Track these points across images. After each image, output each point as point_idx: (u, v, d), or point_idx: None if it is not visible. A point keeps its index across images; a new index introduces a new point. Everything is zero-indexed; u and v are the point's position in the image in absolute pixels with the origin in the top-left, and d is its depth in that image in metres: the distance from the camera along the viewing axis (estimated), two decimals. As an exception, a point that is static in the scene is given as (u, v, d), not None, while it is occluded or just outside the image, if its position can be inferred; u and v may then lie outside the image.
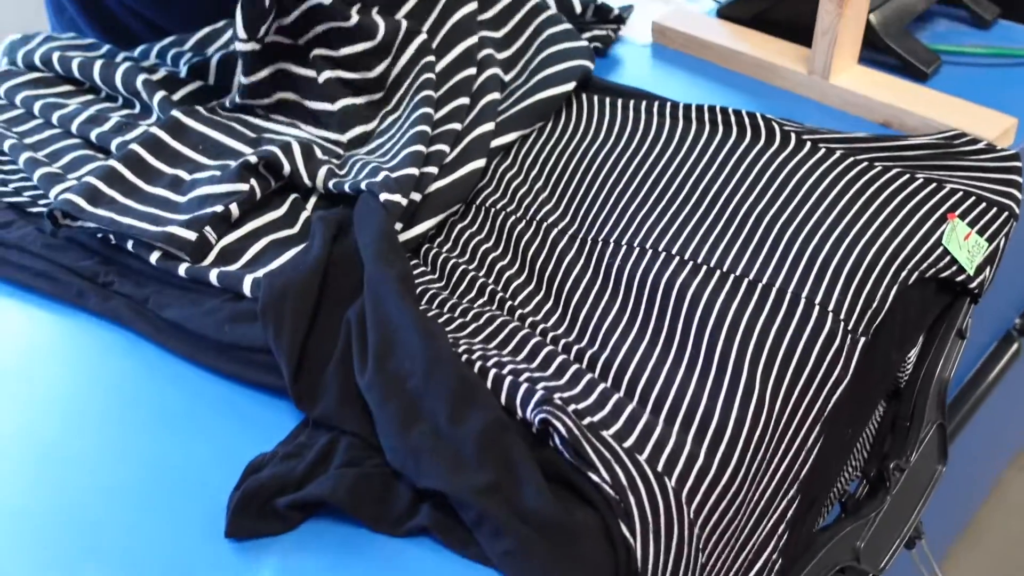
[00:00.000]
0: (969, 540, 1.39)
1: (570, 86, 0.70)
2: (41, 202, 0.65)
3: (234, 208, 0.59)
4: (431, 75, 0.69)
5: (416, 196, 0.59)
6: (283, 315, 0.49)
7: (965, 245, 0.57)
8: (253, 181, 0.60)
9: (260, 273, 0.55)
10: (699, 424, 0.46)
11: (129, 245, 0.58)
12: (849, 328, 0.51)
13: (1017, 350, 0.98)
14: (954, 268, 0.57)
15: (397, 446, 0.44)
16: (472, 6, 0.73)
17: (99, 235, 0.60)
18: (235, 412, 0.51)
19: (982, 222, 0.58)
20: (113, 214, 0.58)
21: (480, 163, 0.63)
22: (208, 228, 0.57)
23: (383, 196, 0.55)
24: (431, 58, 0.70)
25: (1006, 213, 0.59)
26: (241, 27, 0.64)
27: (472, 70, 0.70)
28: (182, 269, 0.56)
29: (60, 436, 0.50)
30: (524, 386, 0.45)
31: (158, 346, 0.55)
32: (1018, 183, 0.60)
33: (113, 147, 0.66)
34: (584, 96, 0.71)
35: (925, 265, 0.55)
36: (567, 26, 0.76)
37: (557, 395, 0.45)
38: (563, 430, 0.42)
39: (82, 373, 0.54)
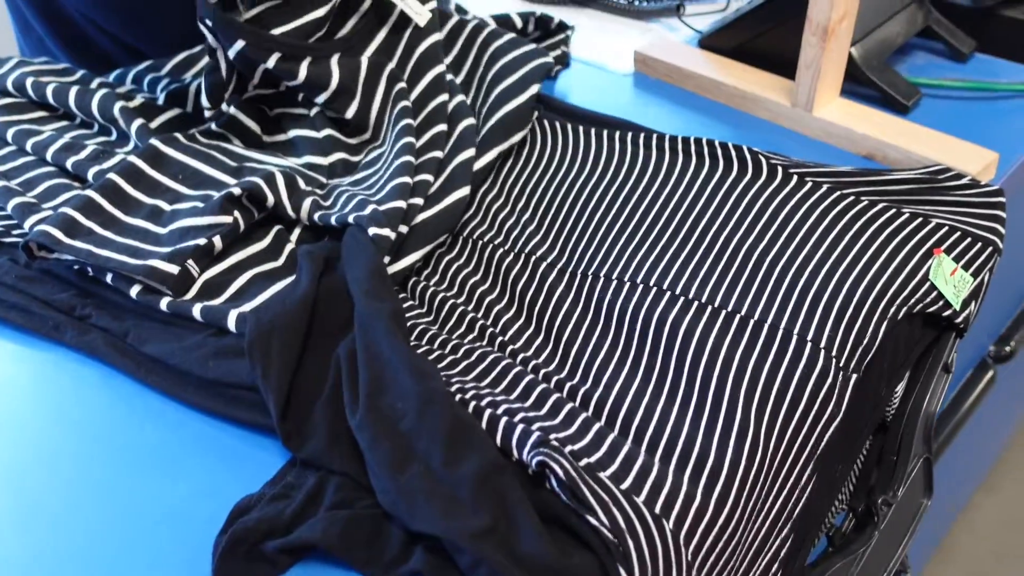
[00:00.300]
0: (939, 561, 1.41)
1: (534, 90, 0.69)
2: (15, 232, 0.63)
3: (217, 241, 0.57)
4: (406, 103, 0.68)
5: (403, 228, 0.58)
6: (270, 352, 0.48)
7: (951, 280, 0.58)
8: (237, 213, 0.59)
9: (246, 308, 0.54)
10: (695, 463, 0.46)
11: (108, 278, 0.57)
12: (840, 365, 0.51)
13: (992, 377, 0.99)
14: (941, 303, 0.57)
15: (390, 488, 0.43)
16: (437, 36, 0.73)
17: (76, 267, 0.59)
18: (218, 450, 0.50)
19: (967, 257, 0.59)
20: (91, 246, 0.57)
21: (465, 191, 0.62)
22: (191, 261, 0.56)
23: (372, 230, 0.55)
24: (402, 85, 0.69)
25: (990, 248, 0.60)
26: (205, 97, 0.63)
27: (444, 96, 0.69)
28: (164, 303, 0.55)
29: (36, 475, 0.49)
30: (520, 427, 0.44)
31: (137, 382, 0.54)
32: (1002, 218, 0.61)
33: (90, 176, 0.65)
34: (569, 125, 0.71)
35: (913, 300, 0.56)
36: (510, 35, 0.76)
37: (553, 436, 0.45)
38: (560, 472, 0.42)
39: (58, 409, 0.53)
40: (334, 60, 0.68)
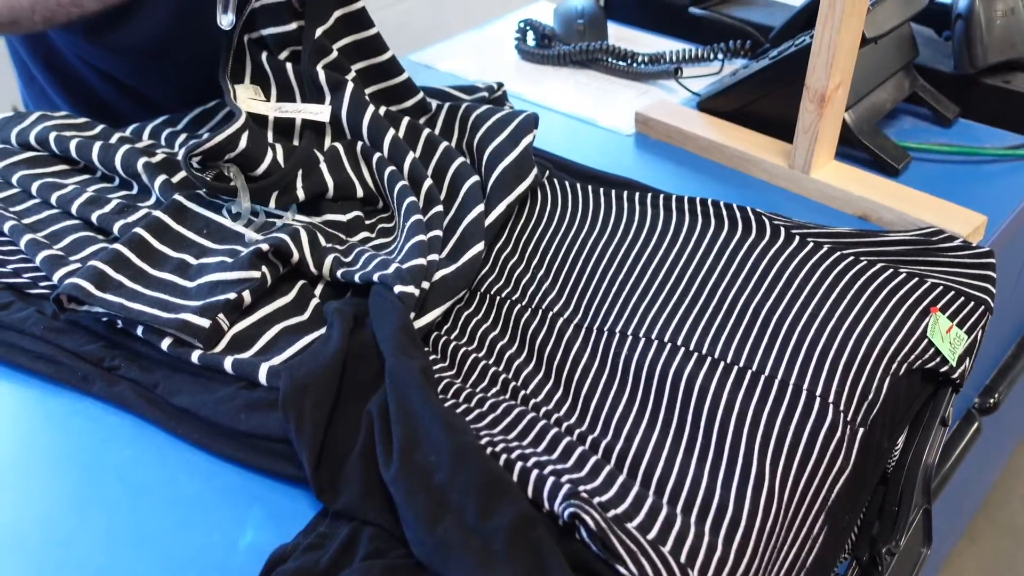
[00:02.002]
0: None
1: (528, 140, 0.72)
2: (42, 284, 0.64)
3: (247, 295, 0.59)
4: (393, 168, 0.71)
5: (425, 284, 0.60)
6: (304, 407, 0.50)
7: (947, 337, 0.60)
8: (264, 268, 0.60)
9: (276, 361, 0.55)
10: (715, 515, 0.47)
11: (139, 331, 0.58)
12: (848, 419, 0.53)
13: (978, 428, 1.02)
14: (938, 359, 0.59)
15: (424, 540, 0.44)
16: (411, 104, 0.79)
17: (104, 319, 0.60)
18: (250, 500, 0.51)
19: (961, 315, 0.61)
20: (123, 299, 0.58)
21: (480, 247, 0.64)
22: (221, 315, 0.57)
23: (398, 288, 0.57)
24: (380, 155, 0.73)
25: (983, 307, 0.62)
26: None
27: (412, 155, 0.72)
28: (195, 356, 0.56)
29: (68, 525, 0.50)
30: (550, 479, 0.46)
31: (168, 433, 0.55)
32: (993, 279, 0.64)
33: (115, 229, 0.67)
34: (578, 184, 0.74)
35: (912, 356, 0.58)
36: (486, 105, 0.79)
37: (581, 487, 0.46)
38: (591, 523, 0.43)
39: (90, 460, 0.54)
40: (323, 168, 0.72)
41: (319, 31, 0.75)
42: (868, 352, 0.56)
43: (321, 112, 0.74)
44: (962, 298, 0.62)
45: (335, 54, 0.76)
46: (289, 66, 0.75)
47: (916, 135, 0.86)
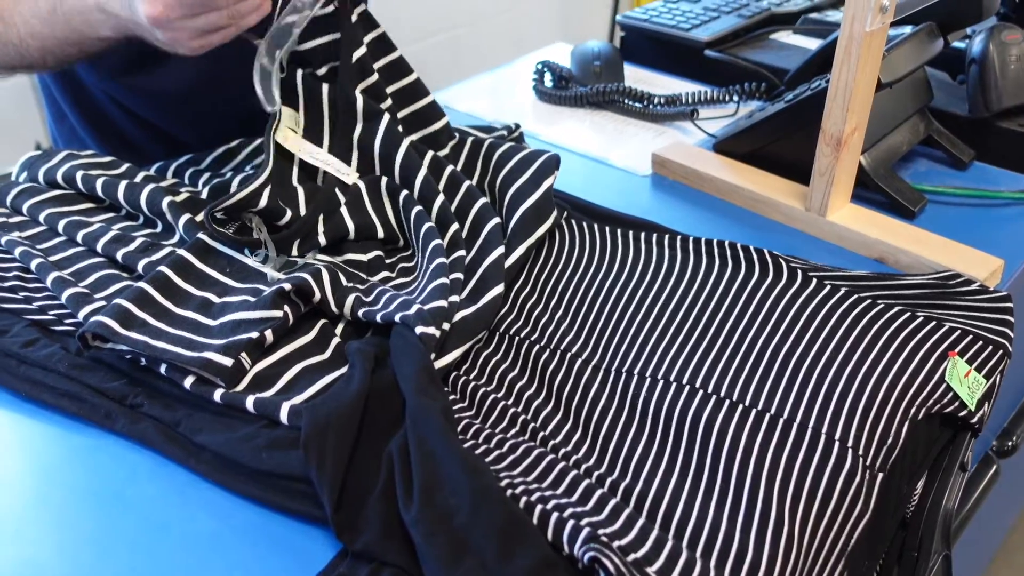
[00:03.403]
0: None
1: (549, 182, 0.72)
2: (67, 321, 0.65)
3: (268, 334, 0.60)
4: (420, 208, 0.72)
5: (445, 326, 0.60)
6: (326, 448, 0.50)
7: (966, 382, 0.60)
8: (286, 307, 0.61)
9: (296, 400, 0.55)
10: (734, 559, 0.47)
11: (162, 368, 0.59)
12: (867, 464, 0.53)
13: (996, 471, 1.01)
14: (956, 404, 0.59)
15: None
16: (445, 151, 0.79)
17: (127, 356, 0.60)
18: (270, 540, 0.51)
19: (979, 359, 0.61)
20: (147, 338, 0.59)
21: (499, 289, 0.65)
22: (243, 354, 0.58)
23: (419, 329, 0.57)
24: (406, 193, 0.74)
25: (1000, 351, 0.62)
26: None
27: (442, 197, 0.73)
28: (217, 395, 0.57)
29: (90, 563, 0.50)
30: (570, 522, 0.46)
31: (189, 471, 0.55)
32: (1011, 323, 0.64)
33: (139, 268, 0.68)
34: (596, 226, 0.75)
35: (931, 401, 0.58)
36: (509, 143, 0.79)
37: (601, 531, 0.46)
38: (611, 568, 0.43)
39: (111, 497, 0.54)
40: (344, 211, 0.73)
41: (356, 55, 0.75)
42: (887, 396, 0.56)
43: (348, 175, 0.75)
44: (980, 342, 0.62)
45: (375, 76, 0.77)
46: (325, 88, 0.75)
47: (932, 178, 0.86)
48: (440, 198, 0.73)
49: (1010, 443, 0.99)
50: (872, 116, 0.76)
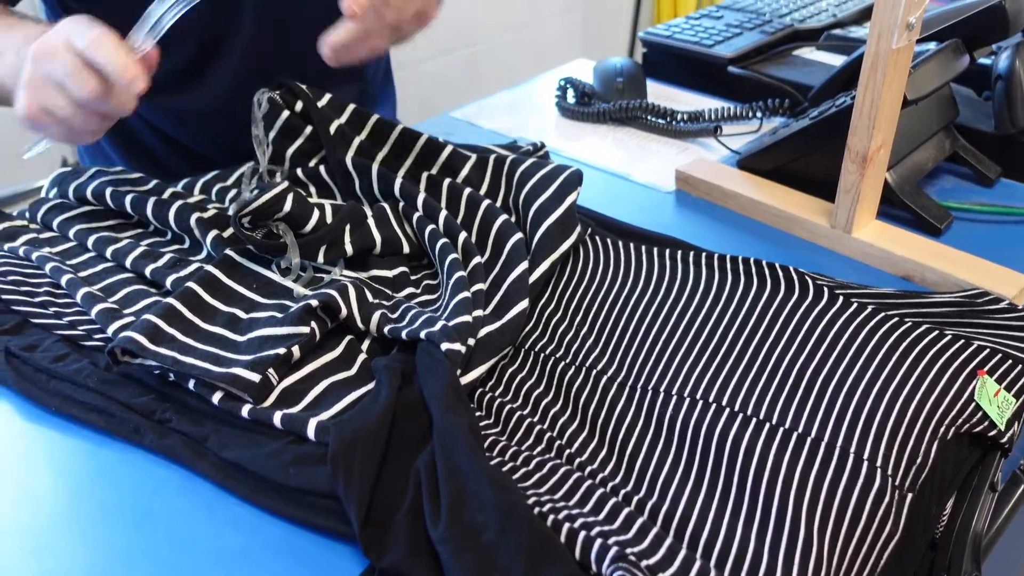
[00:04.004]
0: None
1: (572, 198, 0.73)
2: (96, 336, 0.66)
3: (296, 350, 0.60)
4: (433, 226, 0.73)
5: (471, 341, 0.61)
6: (353, 464, 0.50)
7: (995, 401, 0.60)
8: (313, 323, 0.61)
9: (324, 416, 0.56)
10: None
11: (191, 384, 0.59)
12: (896, 484, 0.53)
13: (1024, 491, 1.00)
14: (986, 423, 0.59)
15: None
16: (464, 172, 0.82)
17: (156, 371, 0.61)
18: (296, 555, 0.51)
19: (1009, 378, 0.61)
20: (175, 353, 0.59)
21: (524, 304, 0.65)
22: (271, 370, 0.58)
23: (445, 346, 0.57)
24: (420, 214, 0.75)
25: None
26: None
27: (445, 212, 0.74)
28: (245, 410, 0.57)
29: None
30: (598, 541, 0.46)
31: (216, 486, 0.56)
32: None
33: (168, 283, 0.68)
34: (620, 242, 0.75)
35: (960, 420, 0.57)
36: (532, 159, 0.80)
37: (628, 550, 0.46)
38: None
39: (139, 513, 0.54)
40: (371, 223, 0.74)
41: (333, 126, 0.80)
42: (915, 416, 0.56)
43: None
44: (1010, 361, 0.61)
45: (361, 137, 0.82)
46: (322, 169, 0.81)
47: (958, 195, 0.86)
48: (443, 213, 0.74)
49: (1039, 462, 0.98)
50: (898, 133, 0.76)
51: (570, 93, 1.10)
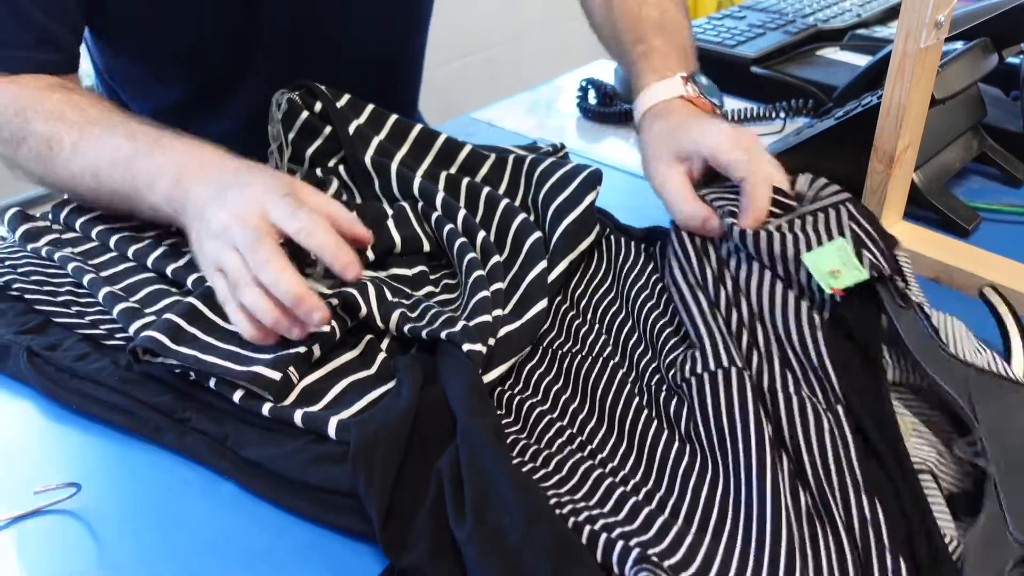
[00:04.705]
0: None
1: (591, 197, 0.72)
2: (118, 335, 0.66)
3: (316, 349, 0.60)
4: (451, 225, 0.72)
5: (491, 341, 0.60)
6: (374, 463, 0.50)
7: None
8: (333, 322, 0.61)
9: (344, 415, 0.56)
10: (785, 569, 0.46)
11: (212, 382, 0.59)
12: None
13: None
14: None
15: None
16: (484, 169, 0.82)
17: (177, 370, 0.61)
18: (318, 555, 0.51)
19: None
20: (196, 352, 0.59)
21: (543, 303, 0.65)
22: (292, 368, 0.58)
23: (466, 347, 0.57)
24: (438, 214, 0.74)
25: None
26: None
27: (463, 211, 0.74)
28: (266, 409, 0.57)
29: None
30: (619, 543, 0.45)
31: (238, 486, 0.55)
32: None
33: (189, 283, 0.68)
34: (633, 244, 0.74)
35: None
36: (551, 159, 0.80)
37: (650, 550, 0.46)
38: None
39: (162, 514, 0.54)
40: (391, 224, 0.73)
41: (352, 126, 0.80)
42: None
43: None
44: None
45: (380, 137, 0.81)
46: (342, 169, 0.81)
47: (985, 195, 0.85)
48: (461, 212, 0.73)
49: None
50: (925, 133, 0.75)
51: (591, 94, 1.09)
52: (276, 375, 0.57)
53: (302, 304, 0.56)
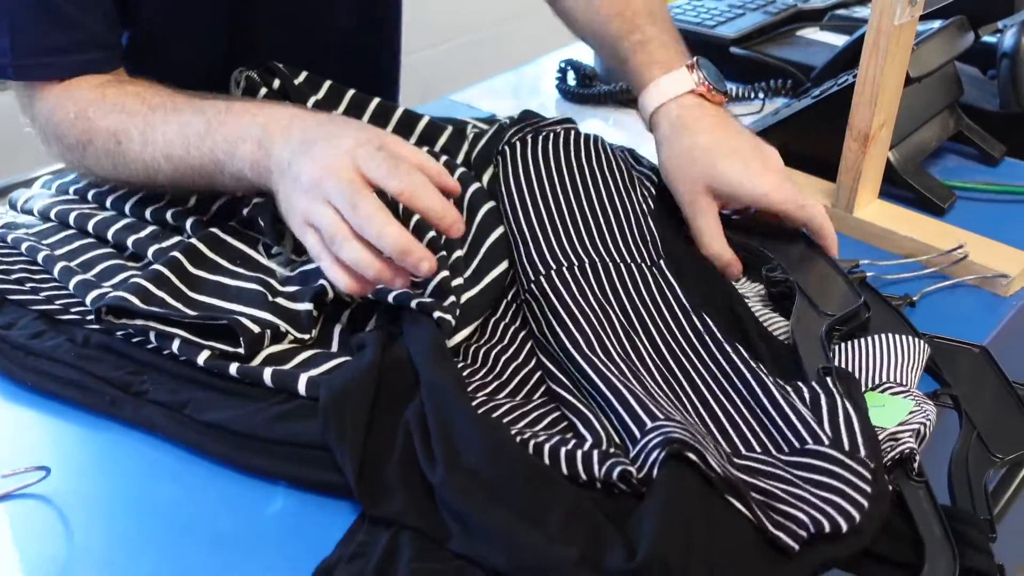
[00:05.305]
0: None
1: None
2: (73, 310, 0.67)
3: (292, 331, 0.62)
4: None
5: (457, 312, 0.62)
6: (344, 415, 0.52)
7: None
8: (313, 309, 0.63)
9: (314, 372, 0.58)
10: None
11: (175, 347, 0.60)
12: None
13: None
14: None
15: (486, 532, 0.46)
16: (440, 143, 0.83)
17: (135, 340, 0.62)
18: (287, 532, 0.51)
19: None
20: (168, 312, 0.61)
21: (504, 265, 0.67)
22: (268, 331, 0.60)
23: (436, 314, 0.60)
24: None
25: None
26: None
27: None
28: (233, 368, 0.59)
29: (121, 566, 0.50)
30: (579, 452, 0.50)
31: (206, 464, 0.56)
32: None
33: (150, 253, 0.70)
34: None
35: None
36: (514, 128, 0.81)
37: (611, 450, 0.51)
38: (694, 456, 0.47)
39: (134, 498, 0.55)
40: None
41: (310, 102, 0.79)
42: None
43: None
44: None
45: (340, 109, 0.82)
46: None
47: (961, 174, 0.87)
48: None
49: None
50: (901, 111, 0.77)
51: (571, 75, 1.10)
52: (255, 328, 0.59)
53: (409, 256, 0.56)
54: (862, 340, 0.60)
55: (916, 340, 0.60)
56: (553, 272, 0.64)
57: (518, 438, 0.52)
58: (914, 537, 0.49)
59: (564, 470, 0.49)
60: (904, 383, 0.58)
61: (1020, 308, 0.71)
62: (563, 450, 0.50)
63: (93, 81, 0.72)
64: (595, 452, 0.49)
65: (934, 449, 0.55)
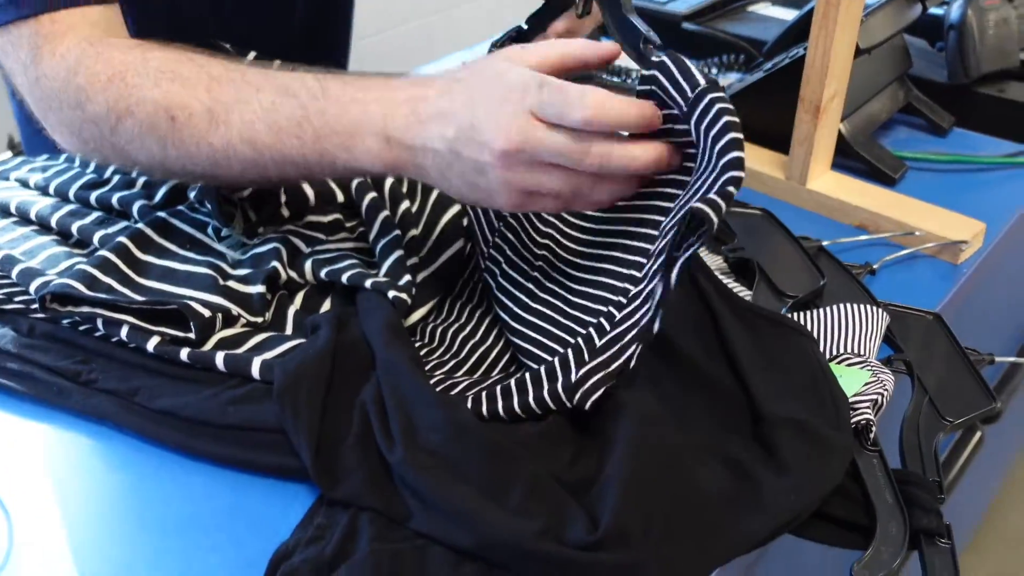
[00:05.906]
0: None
1: None
2: (17, 299, 0.65)
3: (245, 314, 0.60)
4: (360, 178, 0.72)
5: (413, 291, 0.62)
6: (299, 398, 0.52)
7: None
8: (265, 292, 0.62)
9: (268, 356, 0.57)
10: None
11: (123, 333, 0.59)
12: None
13: (981, 438, 1.00)
14: None
15: (447, 509, 0.46)
16: None
17: (82, 327, 0.61)
18: (243, 515, 0.51)
19: None
20: (115, 298, 0.59)
21: (459, 244, 0.67)
22: (220, 315, 0.59)
23: (392, 293, 0.59)
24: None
25: None
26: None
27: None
28: (184, 354, 0.58)
29: (78, 553, 0.49)
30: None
31: (158, 451, 0.55)
32: None
33: (96, 239, 0.68)
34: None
35: None
36: None
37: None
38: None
39: (85, 488, 0.53)
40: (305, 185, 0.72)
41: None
42: None
43: None
44: None
45: None
46: None
47: (912, 145, 0.88)
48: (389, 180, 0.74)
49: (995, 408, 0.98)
50: (851, 84, 0.77)
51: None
52: (205, 311, 0.58)
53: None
54: (823, 310, 0.61)
55: (875, 309, 0.61)
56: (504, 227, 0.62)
57: (471, 404, 0.52)
58: (866, 503, 0.50)
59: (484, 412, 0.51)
60: (863, 353, 0.59)
61: (971, 275, 0.72)
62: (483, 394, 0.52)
63: (124, 42, 0.62)
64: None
65: (888, 413, 0.56)
